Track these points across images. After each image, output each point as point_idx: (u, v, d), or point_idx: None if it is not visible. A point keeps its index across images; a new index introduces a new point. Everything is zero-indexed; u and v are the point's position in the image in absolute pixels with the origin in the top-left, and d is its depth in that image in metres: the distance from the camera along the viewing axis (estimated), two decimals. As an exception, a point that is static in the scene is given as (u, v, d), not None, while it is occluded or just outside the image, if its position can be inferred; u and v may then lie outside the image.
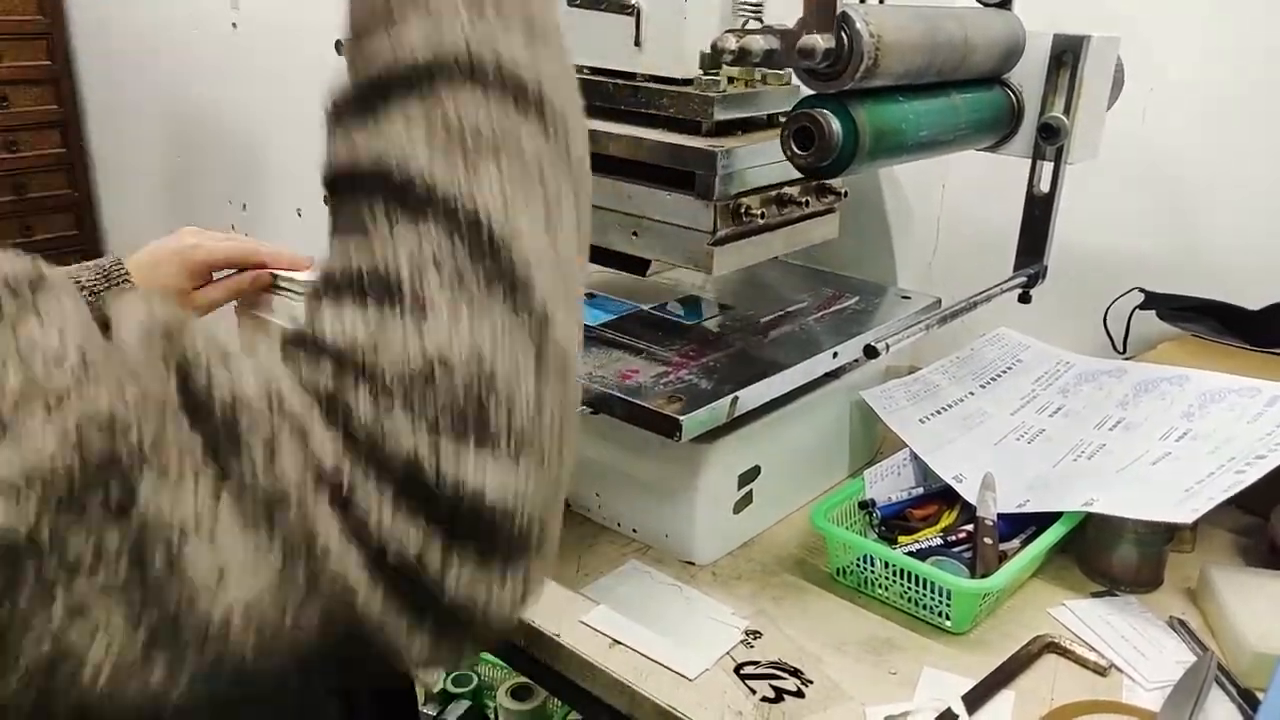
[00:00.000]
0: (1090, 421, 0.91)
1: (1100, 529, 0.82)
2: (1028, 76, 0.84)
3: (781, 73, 0.81)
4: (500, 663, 1.49)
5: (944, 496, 0.87)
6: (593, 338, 0.90)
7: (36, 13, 2.55)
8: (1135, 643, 0.75)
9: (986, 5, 0.84)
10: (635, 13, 0.79)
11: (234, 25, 2.15)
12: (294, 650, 0.36)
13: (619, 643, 0.75)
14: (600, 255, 0.86)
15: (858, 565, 0.81)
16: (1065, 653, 0.74)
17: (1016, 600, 0.81)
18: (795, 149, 0.68)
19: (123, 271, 0.89)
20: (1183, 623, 0.77)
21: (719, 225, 0.77)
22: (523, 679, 1.44)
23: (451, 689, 1.50)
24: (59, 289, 0.37)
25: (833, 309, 0.99)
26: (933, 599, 0.77)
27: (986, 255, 1.19)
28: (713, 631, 0.77)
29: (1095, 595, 0.82)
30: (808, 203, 0.83)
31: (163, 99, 2.45)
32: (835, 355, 0.89)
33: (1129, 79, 0.89)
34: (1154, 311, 1.05)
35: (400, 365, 0.37)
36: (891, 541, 0.83)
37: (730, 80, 0.78)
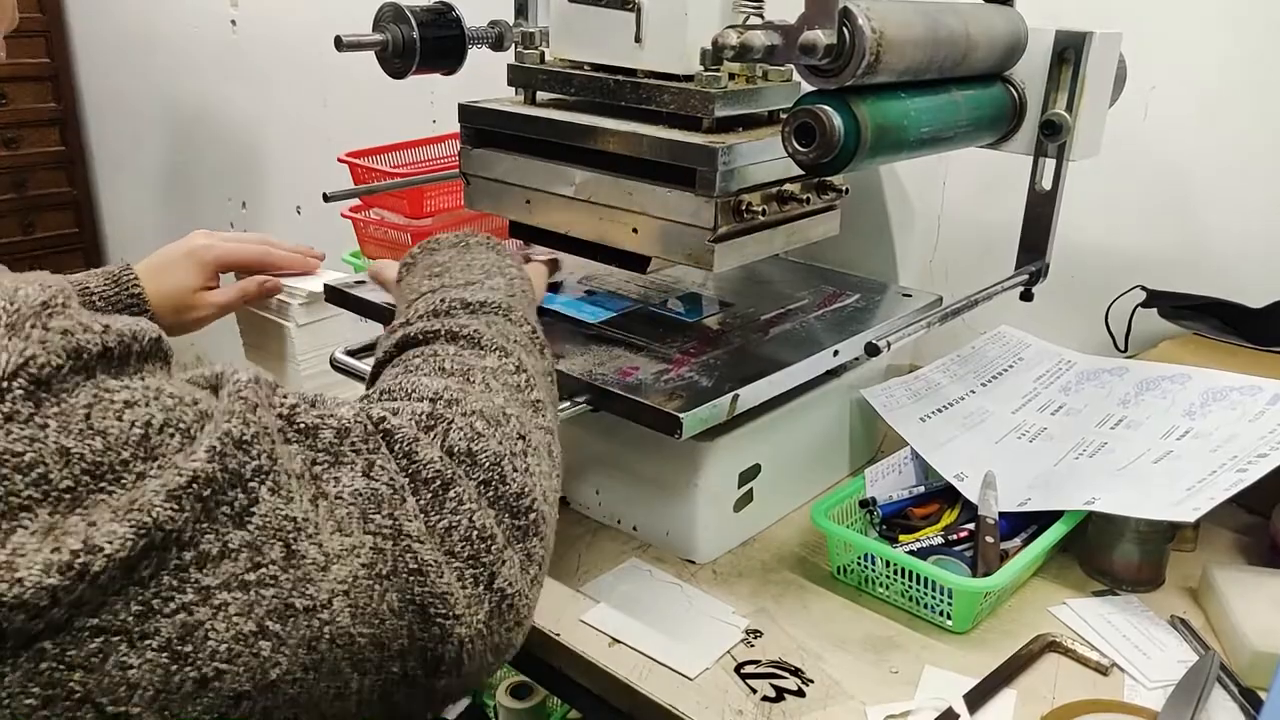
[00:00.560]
0: (1092, 420, 0.91)
1: (1102, 528, 0.82)
2: (1030, 73, 0.84)
3: (783, 69, 0.80)
4: (500, 661, 1.49)
5: (945, 495, 0.87)
6: (593, 335, 0.89)
7: (36, 10, 2.55)
8: (1137, 642, 0.75)
9: (988, 1, 0.84)
10: (636, 9, 0.78)
11: (233, 23, 2.15)
12: (378, 624, 0.45)
13: (619, 641, 0.75)
14: (601, 252, 0.86)
15: (858, 564, 0.81)
16: (1067, 652, 0.74)
17: (1018, 599, 0.81)
18: (796, 145, 0.67)
19: (132, 277, 0.90)
20: (1184, 622, 0.77)
21: (719, 222, 0.76)
22: (522, 677, 1.43)
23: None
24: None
25: (833, 307, 0.99)
26: (934, 598, 0.76)
27: (988, 253, 1.19)
28: (713, 630, 0.77)
29: (1097, 594, 0.81)
30: (809, 200, 0.83)
31: (162, 96, 2.45)
32: (836, 353, 0.89)
33: (1131, 76, 0.89)
34: (1156, 309, 1.05)
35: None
36: (892, 540, 0.83)
37: (731, 76, 0.78)
